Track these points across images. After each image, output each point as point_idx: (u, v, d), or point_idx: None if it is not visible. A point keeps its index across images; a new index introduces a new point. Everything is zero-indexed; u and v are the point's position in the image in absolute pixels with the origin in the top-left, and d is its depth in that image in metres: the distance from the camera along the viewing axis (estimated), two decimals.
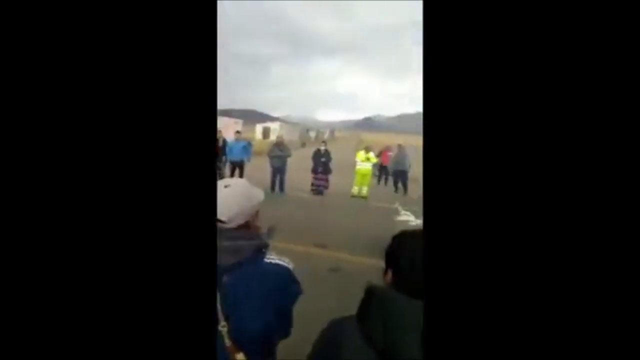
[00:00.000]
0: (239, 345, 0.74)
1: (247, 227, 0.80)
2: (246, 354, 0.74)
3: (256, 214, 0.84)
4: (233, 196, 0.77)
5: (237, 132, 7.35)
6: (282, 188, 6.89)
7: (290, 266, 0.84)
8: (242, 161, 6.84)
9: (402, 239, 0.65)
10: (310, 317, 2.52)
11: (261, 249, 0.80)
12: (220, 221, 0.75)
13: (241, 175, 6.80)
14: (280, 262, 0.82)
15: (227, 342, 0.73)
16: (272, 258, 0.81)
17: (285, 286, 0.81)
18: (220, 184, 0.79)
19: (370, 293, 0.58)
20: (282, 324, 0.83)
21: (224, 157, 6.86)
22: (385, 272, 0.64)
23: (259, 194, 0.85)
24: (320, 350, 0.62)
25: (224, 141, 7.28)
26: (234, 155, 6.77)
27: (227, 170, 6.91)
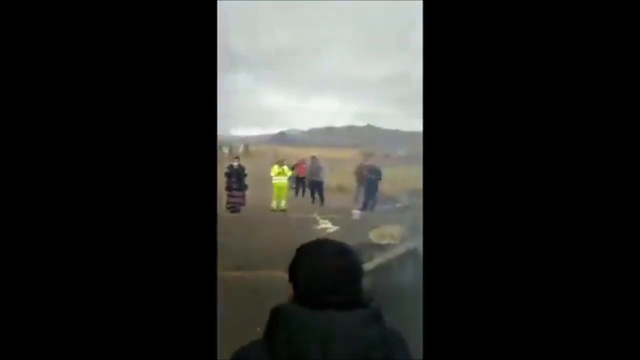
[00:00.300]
0: None
1: None
2: None
3: None
4: None
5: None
6: None
7: None
8: None
9: (299, 253, 0.64)
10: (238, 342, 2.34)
11: None
12: None
13: None
14: None
15: None
16: None
17: None
18: None
19: (275, 312, 0.57)
20: None
21: None
22: (289, 288, 0.63)
23: None
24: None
25: None
26: None
27: None
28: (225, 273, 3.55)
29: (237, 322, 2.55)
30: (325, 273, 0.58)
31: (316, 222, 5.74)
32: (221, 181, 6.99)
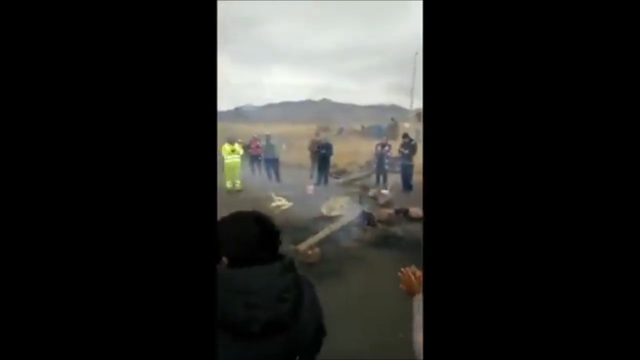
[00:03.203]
0: None
1: None
2: None
3: None
4: None
5: None
6: None
7: None
8: None
9: (221, 230, 0.70)
10: None
11: None
12: None
13: None
14: None
15: None
16: None
17: None
18: None
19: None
20: None
21: None
22: (219, 261, 0.70)
23: None
24: None
25: None
26: None
27: None
28: None
29: None
30: (247, 238, 0.69)
31: (271, 200, 5.75)
32: None
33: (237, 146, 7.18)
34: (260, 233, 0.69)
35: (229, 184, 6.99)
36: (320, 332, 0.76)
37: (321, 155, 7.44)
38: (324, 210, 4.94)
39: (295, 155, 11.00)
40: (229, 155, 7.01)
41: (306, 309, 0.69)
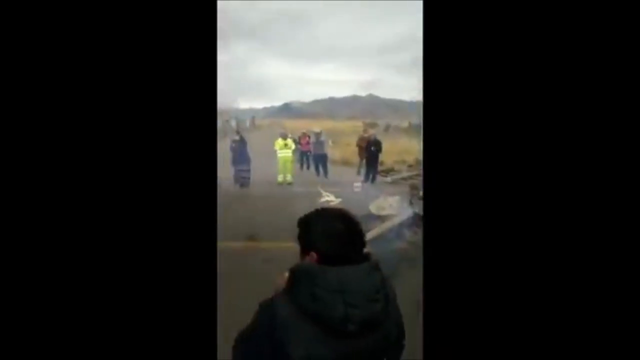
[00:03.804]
0: None
1: None
2: None
3: None
4: None
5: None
6: None
7: None
8: None
9: (313, 222, 0.73)
10: (252, 303, 2.51)
11: None
12: None
13: None
14: None
15: None
16: None
17: None
18: None
19: (297, 271, 0.66)
20: None
21: None
22: (305, 253, 0.72)
23: None
24: (254, 325, 0.67)
25: None
26: None
27: None
28: (235, 244, 3.72)
29: (246, 289, 2.72)
30: (337, 234, 0.69)
31: (319, 196, 5.85)
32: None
33: (289, 141, 7.41)
34: (348, 230, 0.70)
35: (280, 177, 7.25)
36: (402, 332, 0.76)
37: (370, 153, 7.33)
38: (373, 209, 4.88)
39: (341, 151, 10.98)
40: (282, 149, 7.26)
41: (393, 309, 0.70)
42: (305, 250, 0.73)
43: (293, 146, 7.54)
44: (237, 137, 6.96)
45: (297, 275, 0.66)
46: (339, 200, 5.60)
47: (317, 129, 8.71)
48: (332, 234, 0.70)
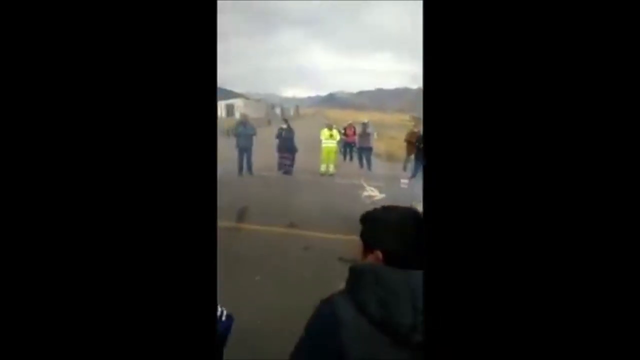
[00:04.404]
0: None
1: None
2: None
3: None
4: None
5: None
6: (249, 168, 6.61)
7: None
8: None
9: (380, 219, 0.67)
10: (292, 291, 2.48)
11: None
12: None
13: None
14: None
15: None
16: None
17: None
18: None
19: (360, 272, 0.61)
20: None
21: None
22: (369, 252, 0.66)
23: None
24: (316, 324, 0.63)
25: None
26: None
27: None
28: (276, 229, 3.73)
29: (285, 273, 2.71)
30: (409, 236, 0.63)
31: (362, 189, 5.64)
32: (274, 142, 7.13)
33: (334, 131, 7.29)
34: (419, 230, 0.62)
35: (322, 167, 7.19)
36: None
37: (420, 149, 6.89)
38: (420, 208, 4.57)
39: (386, 145, 10.58)
40: (327, 139, 7.18)
41: None
42: (368, 248, 0.67)
43: (338, 137, 7.42)
44: (284, 126, 7.01)
45: (360, 275, 0.61)
46: (383, 196, 5.34)
47: (364, 120, 8.44)
48: (403, 232, 0.63)
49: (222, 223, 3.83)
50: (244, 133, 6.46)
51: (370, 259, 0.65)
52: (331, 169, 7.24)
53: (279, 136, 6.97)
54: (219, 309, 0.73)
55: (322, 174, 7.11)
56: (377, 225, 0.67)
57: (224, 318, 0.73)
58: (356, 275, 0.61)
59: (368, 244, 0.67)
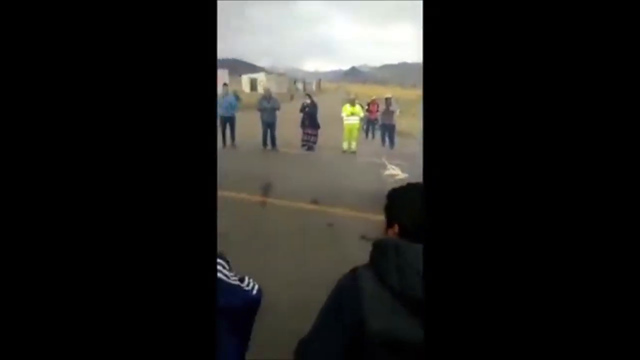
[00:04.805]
0: None
1: None
2: None
3: None
4: None
5: (225, 84, 6.77)
6: (273, 144, 6.68)
7: None
8: (233, 116, 6.47)
9: (399, 196, 0.71)
10: (315, 268, 2.60)
11: None
12: None
13: (232, 132, 6.50)
14: None
15: None
16: None
17: None
18: None
19: (383, 245, 0.63)
20: None
21: None
22: (389, 226, 0.70)
23: None
24: (338, 295, 0.65)
25: None
26: (223, 110, 6.28)
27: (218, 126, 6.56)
28: (299, 204, 3.84)
29: (309, 248, 2.83)
30: (419, 210, 0.64)
31: (384, 168, 5.60)
32: (296, 117, 7.10)
33: (357, 108, 7.11)
34: None
35: (345, 145, 7.13)
36: None
37: None
38: None
39: (408, 122, 10.20)
40: (349, 116, 7.04)
41: None
42: (389, 222, 0.70)
43: (361, 114, 7.24)
44: (308, 101, 6.92)
45: (382, 248, 0.63)
46: (406, 175, 5.29)
47: (387, 95, 8.14)
48: (416, 208, 0.65)
49: (246, 196, 4.00)
50: (268, 108, 6.47)
51: (390, 233, 0.69)
52: (353, 146, 7.15)
53: (302, 110, 6.91)
54: (249, 282, 0.72)
55: (344, 151, 7.06)
56: (395, 200, 0.71)
57: (254, 292, 0.72)
58: (378, 248, 0.63)
59: (388, 219, 0.71)
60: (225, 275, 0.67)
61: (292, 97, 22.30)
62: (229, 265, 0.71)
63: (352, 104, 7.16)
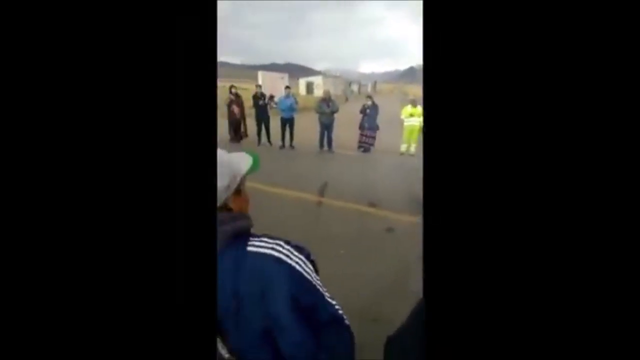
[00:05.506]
0: (244, 356, 0.56)
1: (226, 208, 0.61)
2: None
3: (238, 191, 0.63)
4: None
5: (287, 87, 7.08)
6: (330, 145, 6.73)
7: (282, 253, 0.59)
8: (293, 118, 6.70)
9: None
10: (373, 278, 2.51)
11: (242, 234, 0.60)
12: None
13: (291, 133, 6.72)
14: (269, 252, 0.58)
15: (224, 353, 0.56)
16: (257, 244, 0.59)
17: (273, 283, 0.56)
18: None
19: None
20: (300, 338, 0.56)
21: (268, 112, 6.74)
22: None
23: (244, 163, 0.65)
24: (417, 319, 0.59)
25: (271, 97, 7.12)
26: (284, 112, 6.59)
27: (278, 127, 6.85)
28: (356, 206, 3.76)
29: (369, 252, 2.74)
30: None
31: None
32: (350, 119, 7.04)
33: (418, 109, 6.77)
34: None
35: (403, 147, 6.85)
36: None
37: None
38: None
39: None
40: (408, 117, 6.75)
41: None
42: None
43: (420, 115, 6.87)
44: (369, 102, 6.82)
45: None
46: None
47: None
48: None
49: (303, 195, 4.06)
50: (327, 111, 6.54)
51: None
52: (412, 149, 6.82)
53: (362, 112, 6.83)
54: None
55: (402, 154, 6.78)
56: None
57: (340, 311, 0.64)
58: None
59: None
60: (310, 276, 0.61)
61: (346, 99, 22.29)
62: (315, 267, 0.64)
63: (413, 105, 6.85)
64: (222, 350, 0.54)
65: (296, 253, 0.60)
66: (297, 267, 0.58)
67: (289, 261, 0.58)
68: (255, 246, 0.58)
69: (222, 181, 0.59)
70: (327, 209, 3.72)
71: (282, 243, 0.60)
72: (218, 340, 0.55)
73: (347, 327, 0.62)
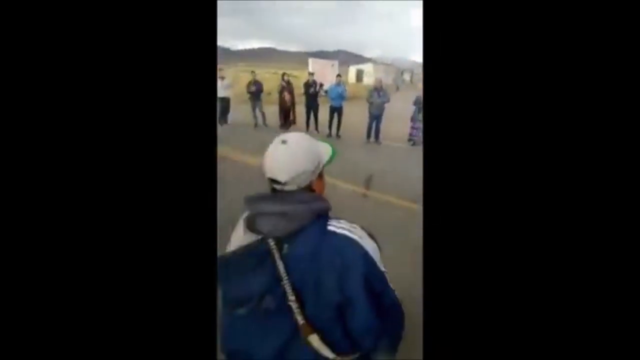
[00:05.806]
0: (315, 325, 0.59)
1: (309, 190, 0.66)
2: (322, 336, 0.58)
3: (320, 176, 0.68)
4: (293, 154, 0.62)
5: (339, 75, 7.01)
6: (377, 137, 6.57)
7: (359, 237, 0.62)
8: (341, 107, 6.64)
9: None
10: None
11: (323, 215, 0.63)
12: (277, 182, 0.62)
13: (339, 122, 6.68)
14: (348, 234, 0.62)
15: (300, 319, 0.58)
16: (336, 225, 0.62)
17: (350, 264, 0.59)
18: (277, 139, 0.64)
19: None
20: (367, 313, 0.60)
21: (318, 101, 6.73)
22: None
23: (326, 152, 0.68)
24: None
25: (321, 85, 7.10)
26: (334, 100, 6.55)
27: (327, 115, 6.85)
28: (400, 201, 3.66)
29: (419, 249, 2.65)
30: None
31: None
32: (401, 110, 6.74)
33: None
34: None
35: None
36: None
37: None
38: None
39: None
40: None
41: None
42: None
43: None
44: (421, 93, 6.46)
45: None
46: None
47: None
48: None
49: (347, 186, 4.06)
50: (378, 101, 6.35)
51: None
52: None
53: (416, 103, 6.51)
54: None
55: None
56: None
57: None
58: None
59: None
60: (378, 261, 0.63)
61: (397, 88, 21.40)
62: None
63: None
64: (299, 317, 0.58)
65: (369, 239, 0.65)
66: (370, 252, 0.62)
67: (366, 247, 0.62)
68: (335, 226, 0.62)
69: (312, 165, 0.64)
70: (373, 201, 3.67)
71: (357, 227, 0.65)
72: (294, 308, 0.58)
73: (403, 313, 0.67)
